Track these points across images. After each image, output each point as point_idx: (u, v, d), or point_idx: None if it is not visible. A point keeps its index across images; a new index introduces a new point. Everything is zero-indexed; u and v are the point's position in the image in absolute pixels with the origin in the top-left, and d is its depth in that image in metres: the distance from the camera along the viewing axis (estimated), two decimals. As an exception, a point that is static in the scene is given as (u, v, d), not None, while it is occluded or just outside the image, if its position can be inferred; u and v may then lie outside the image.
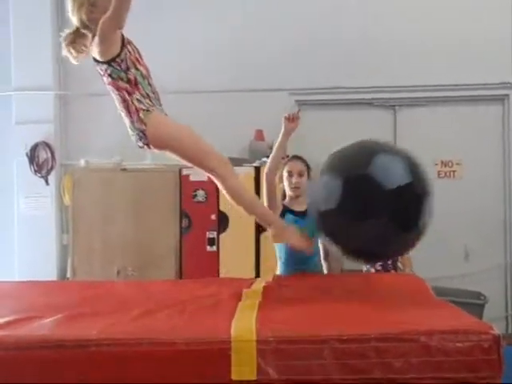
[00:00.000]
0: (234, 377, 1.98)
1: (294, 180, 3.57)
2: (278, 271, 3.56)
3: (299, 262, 3.39)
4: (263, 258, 5.30)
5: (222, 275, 5.27)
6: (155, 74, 5.92)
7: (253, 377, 1.98)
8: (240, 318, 2.29)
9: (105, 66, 2.73)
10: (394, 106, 5.93)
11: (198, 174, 5.47)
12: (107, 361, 2.01)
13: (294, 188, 3.56)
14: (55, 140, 5.81)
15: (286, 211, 3.51)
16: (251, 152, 5.65)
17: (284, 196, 3.68)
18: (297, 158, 3.74)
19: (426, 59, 5.69)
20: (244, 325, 2.18)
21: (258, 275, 5.23)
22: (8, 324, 2.25)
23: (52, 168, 5.77)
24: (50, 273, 5.57)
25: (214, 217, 5.44)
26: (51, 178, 5.79)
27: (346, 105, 5.92)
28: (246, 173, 5.39)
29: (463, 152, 5.81)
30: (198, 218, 5.44)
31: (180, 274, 5.44)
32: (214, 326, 2.21)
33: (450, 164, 5.86)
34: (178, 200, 5.47)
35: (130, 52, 2.73)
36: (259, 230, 5.36)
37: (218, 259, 5.41)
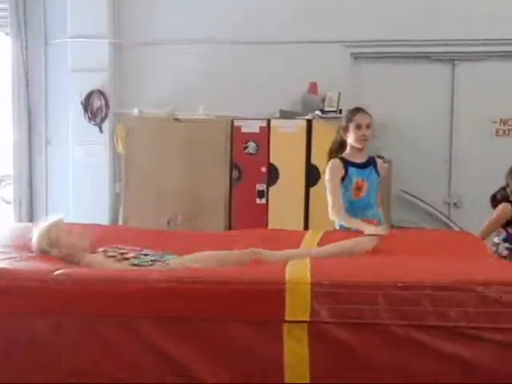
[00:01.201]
0: (287, 317, 2.01)
1: (364, 132, 3.59)
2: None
3: (360, 211, 3.57)
4: (312, 212, 5.28)
5: (270, 227, 5.30)
6: (210, 25, 5.93)
7: (306, 318, 2.00)
8: (294, 264, 2.32)
9: None
10: (452, 60, 5.72)
11: (249, 126, 5.48)
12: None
13: (363, 140, 3.60)
14: (109, 88, 5.85)
15: (347, 165, 3.59)
16: (304, 105, 5.58)
17: (341, 148, 3.72)
18: (362, 110, 3.72)
19: (486, 11, 5.44)
20: (298, 269, 2.21)
21: (306, 228, 5.24)
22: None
23: (106, 116, 5.84)
24: (102, 220, 5.69)
25: (264, 169, 5.43)
26: (105, 126, 5.87)
27: (403, 58, 5.75)
28: (297, 126, 5.36)
29: (524, 110, 5.61)
30: (249, 169, 5.44)
31: (229, 225, 5.49)
32: (268, 269, 2.24)
33: (510, 122, 5.66)
34: (228, 151, 5.48)
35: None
36: (309, 183, 5.35)
37: (267, 212, 5.42)
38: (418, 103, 5.70)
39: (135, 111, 5.67)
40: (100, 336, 2.13)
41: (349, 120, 3.66)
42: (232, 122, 5.45)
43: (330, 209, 3.58)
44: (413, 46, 5.64)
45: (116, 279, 2.20)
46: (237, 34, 5.76)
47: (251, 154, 5.44)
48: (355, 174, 3.59)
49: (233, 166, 5.46)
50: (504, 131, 5.69)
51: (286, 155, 5.36)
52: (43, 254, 2.72)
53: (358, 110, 3.72)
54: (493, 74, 5.61)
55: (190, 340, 2.09)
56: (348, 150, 3.68)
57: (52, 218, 2.89)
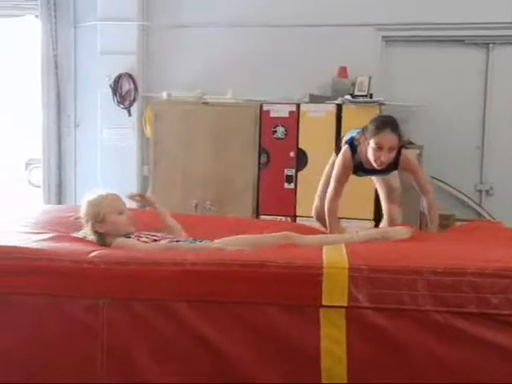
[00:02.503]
0: (324, 302, 1.98)
1: (382, 157, 3.08)
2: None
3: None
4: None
5: (298, 213, 5.27)
6: (238, 8, 5.87)
7: (343, 303, 1.97)
8: (330, 249, 2.29)
9: None
10: (487, 43, 5.58)
11: (278, 111, 5.42)
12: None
13: (380, 163, 3.13)
14: (138, 71, 5.83)
15: (358, 168, 3.35)
16: (333, 89, 5.50)
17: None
18: (390, 126, 3.11)
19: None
20: (335, 254, 2.18)
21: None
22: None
23: (134, 100, 5.83)
24: (130, 203, 5.69)
25: (292, 154, 5.38)
26: (134, 109, 5.86)
27: (436, 42, 5.62)
28: (327, 110, 5.29)
29: (560, 95, 5.46)
30: (277, 154, 5.40)
31: (257, 211, 5.47)
32: (305, 253, 2.21)
33: (545, 108, 5.54)
34: (257, 135, 5.43)
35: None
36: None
37: (296, 197, 5.38)
38: (450, 88, 5.58)
39: (164, 95, 5.65)
40: (136, 319, 2.12)
41: (371, 133, 3.13)
42: (261, 107, 5.40)
43: (329, 197, 3.32)
44: (446, 30, 5.51)
45: (152, 261, 2.19)
46: (265, 17, 5.70)
47: (280, 138, 5.39)
48: (363, 174, 3.44)
49: (261, 150, 5.42)
50: (539, 118, 5.56)
51: (315, 140, 5.29)
52: (84, 223, 2.77)
53: (385, 127, 3.10)
54: (528, 58, 5.49)
55: (227, 323, 2.08)
56: (365, 157, 3.25)
57: (106, 192, 2.91)
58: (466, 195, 5.66)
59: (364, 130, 3.23)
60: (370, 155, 3.14)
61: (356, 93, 5.36)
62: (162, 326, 2.10)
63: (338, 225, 3.31)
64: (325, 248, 2.27)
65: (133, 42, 5.81)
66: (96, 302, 2.13)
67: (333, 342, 1.98)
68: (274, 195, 5.43)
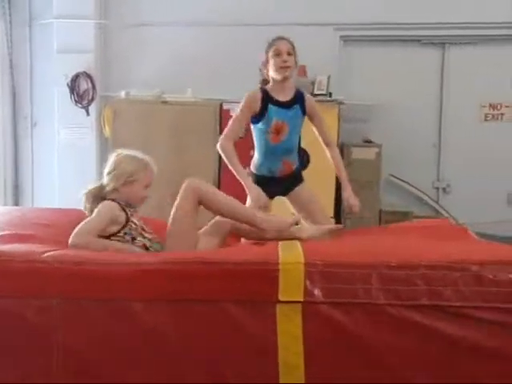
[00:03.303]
0: (281, 297, 1.99)
1: (284, 58, 3.11)
2: (256, 162, 3.35)
3: (278, 157, 3.23)
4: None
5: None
6: (197, 8, 5.83)
7: (299, 298, 1.98)
8: (286, 246, 2.29)
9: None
10: (443, 43, 5.70)
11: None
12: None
13: (284, 67, 3.12)
14: (96, 70, 5.76)
15: (268, 101, 3.14)
16: (293, 88, 5.53)
17: (266, 83, 3.27)
18: (282, 37, 3.27)
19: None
20: (291, 250, 2.18)
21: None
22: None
23: (93, 99, 5.75)
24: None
25: (252, 152, 5.37)
26: (92, 108, 5.78)
27: (393, 41, 5.72)
28: (287, 109, 5.31)
29: (513, 94, 5.61)
30: (237, 152, 5.38)
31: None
32: (262, 250, 2.22)
33: (499, 107, 5.67)
34: (217, 134, 5.40)
35: (135, 224, 2.63)
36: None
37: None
38: (407, 87, 5.68)
39: (122, 94, 5.59)
40: (90, 319, 2.09)
41: (267, 49, 3.22)
42: (221, 105, 5.40)
43: (222, 135, 3.22)
44: (403, 29, 5.61)
45: (107, 261, 2.15)
46: (225, 16, 5.70)
47: (240, 137, 5.37)
48: (275, 114, 3.13)
49: (222, 149, 5.40)
50: (493, 116, 5.69)
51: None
52: (108, 174, 2.71)
53: (277, 38, 3.25)
54: (483, 58, 5.62)
55: (184, 322, 2.06)
56: (271, 82, 3.21)
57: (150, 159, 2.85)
58: (423, 193, 5.76)
59: (262, 63, 3.28)
60: (273, 67, 3.15)
61: (315, 91, 5.39)
62: (117, 326, 2.07)
63: (247, 180, 3.19)
64: (280, 245, 2.28)
65: (90, 40, 5.74)
66: (49, 302, 2.09)
67: (289, 336, 1.99)
68: (234, 194, 5.40)
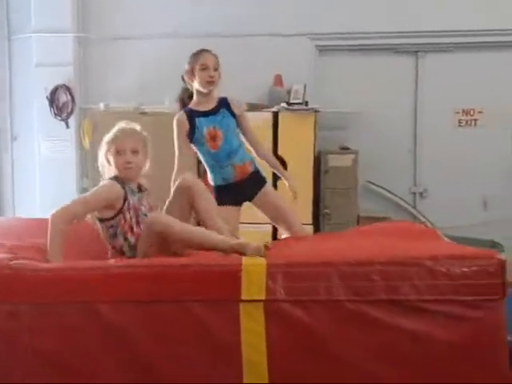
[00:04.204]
0: (243, 296, 2.04)
1: (210, 73, 3.23)
2: (210, 176, 3.40)
3: (224, 162, 3.29)
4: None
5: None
6: (174, 20, 5.86)
7: (261, 296, 2.03)
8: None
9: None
10: (416, 51, 5.81)
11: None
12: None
13: (210, 82, 3.24)
14: (75, 83, 5.82)
15: (193, 116, 3.26)
16: (270, 97, 5.62)
17: (189, 97, 3.38)
18: (208, 51, 3.37)
19: (449, 3, 5.54)
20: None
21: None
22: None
23: (72, 111, 5.80)
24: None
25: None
26: (71, 121, 5.83)
27: (368, 50, 5.82)
28: (263, 118, 5.38)
29: (486, 100, 5.70)
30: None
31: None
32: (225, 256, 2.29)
33: (472, 112, 5.77)
34: (195, 144, 5.48)
35: (124, 220, 2.63)
36: (276, 175, 5.37)
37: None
38: (383, 95, 5.77)
39: (101, 106, 5.64)
40: (60, 322, 2.14)
41: (193, 62, 3.30)
42: (199, 115, 5.45)
43: (174, 172, 3.27)
44: (377, 38, 5.71)
45: (74, 266, 2.21)
46: (201, 27, 5.76)
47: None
48: (204, 123, 3.25)
49: (199, 159, 5.45)
50: (466, 121, 5.80)
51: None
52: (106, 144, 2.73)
53: (202, 51, 3.34)
54: (455, 65, 5.72)
55: (150, 322, 2.11)
56: (195, 97, 3.32)
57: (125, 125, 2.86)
58: (400, 198, 5.84)
59: (185, 73, 3.36)
60: (199, 81, 3.25)
61: (292, 100, 5.48)
62: (86, 328, 2.12)
63: None
64: None
65: (69, 53, 5.80)
66: (18, 308, 2.13)
67: (252, 334, 2.04)
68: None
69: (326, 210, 5.43)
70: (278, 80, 5.68)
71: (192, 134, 3.28)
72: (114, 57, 5.92)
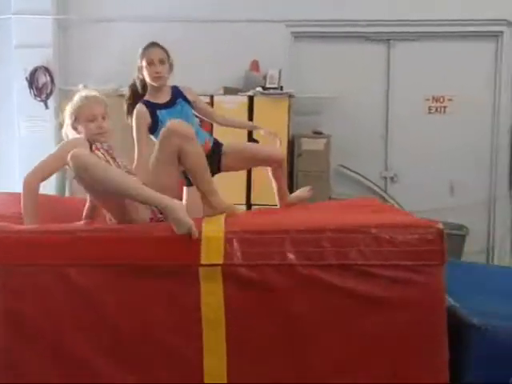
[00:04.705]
0: (203, 261, 2.20)
1: (157, 69, 3.25)
2: None
3: None
4: (254, 186, 5.44)
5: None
6: (155, 3, 5.94)
7: (219, 261, 2.19)
8: (209, 220, 2.49)
9: None
10: (388, 40, 5.98)
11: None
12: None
13: (157, 77, 3.26)
14: (54, 65, 5.90)
15: (154, 108, 3.26)
16: (246, 82, 5.75)
17: (143, 90, 3.37)
18: (155, 43, 3.37)
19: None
20: (213, 222, 2.40)
21: (248, 203, 5.44)
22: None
23: (51, 92, 5.89)
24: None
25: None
26: (50, 102, 5.92)
27: (342, 38, 5.97)
28: (239, 102, 5.53)
29: (455, 88, 5.89)
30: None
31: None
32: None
33: (442, 100, 5.96)
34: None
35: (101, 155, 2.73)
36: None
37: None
38: (355, 81, 5.93)
39: (80, 87, 5.73)
40: (28, 283, 2.27)
41: (141, 57, 3.32)
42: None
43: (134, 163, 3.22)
44: (350, 26, 5.87)
45: (43, 229, 2.35)
46: (180, 12, 5.88)
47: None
48: (166, 116, 3.20)
49: (177, 141, 5.59)
50: (436, 108, 5.98)
51: (229, 130, 5.48)
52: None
53: (149, 46, 3.35)
54: (426, 53, 5.90)
55: (116, 286, 2.26)
56: (149, 90, 3.33)
57: (87, 94, 2.88)
58: (372, 182, 6.02)
59: (138, 68, 3.37)
60: (148, 76, 3.27)
61: (267, 85, 5.62)
62: (55, 291, 2.25)
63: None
64: (205, 219, 2.49)
65: (48, 35, 5.87)
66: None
67: (211, 295, 2.20)
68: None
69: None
70: (255, 65, 5.82)
71: (155, 128, 3.25)
72: (94, 39, 6.01)
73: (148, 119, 3.25)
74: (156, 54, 3.30)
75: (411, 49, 5.94)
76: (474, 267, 3.63)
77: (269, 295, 2.19)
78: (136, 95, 3.38)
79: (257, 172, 5.30)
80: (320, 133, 5.76)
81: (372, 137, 6.04)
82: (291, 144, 5.62)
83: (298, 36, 6.00)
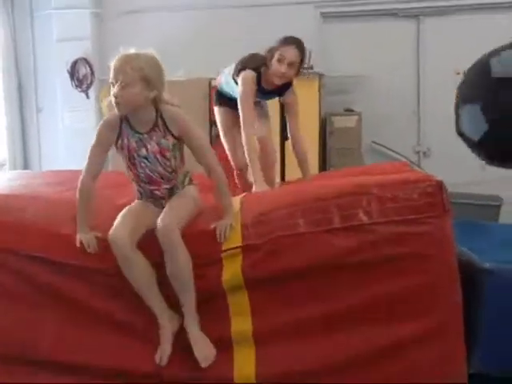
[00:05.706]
0: (224, 247, 2.39)
1: (282, 69, 3.22)
2: None
3: None
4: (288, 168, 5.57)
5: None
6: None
7: (239, 243, 2.38)
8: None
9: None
10: (417, 15, 5.99)
11: (226, 87, 5.78)
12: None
13: (281, 77, 3.26)
14: (93, 56, 6.17)
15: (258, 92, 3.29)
16: (278, 64, 5.87)
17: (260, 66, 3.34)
18: (296, 43, 3.29)
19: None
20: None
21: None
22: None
23: (91, 83, 6.17)
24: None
25: (242, 124, 5.72)
26: (91, 92, 6.20)
27: (370, 16, 6.01)
28: (271, 83, 5.65)
29: (487, 61, 5.85)
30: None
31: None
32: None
33: (472, 73, 5.93)
34: (207, 110, 5.80)
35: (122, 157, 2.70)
36: (284, 138, 5.64)
37: (246, 166, 5.73)
38: (385, 59, 5.96)
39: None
40: None
41: (275, 48, 3.27)
42: (209, 83, 5.76)
43: (242, 125, 3.20)
44: (379, 4, 5.91)
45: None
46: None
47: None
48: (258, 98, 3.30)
49: (212, 123, 5.77)
50: (467, 82, 5.95)
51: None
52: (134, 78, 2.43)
53: (288, 42, 3.27)
54: (455, 27, 5.87)
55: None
56: (263, 73, 3.31)
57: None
58: (405, 157, 6.06)
59: (271, 49, 3.32)
60: (272, 69, 3.23)
61: (298, 66, 5.71)
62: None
63: (260, 178, 3.22)
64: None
65: (87, 28, 6.14)
66: None
67: (232, 273, 2.37)
68: (227, 166, 5.76)
69: (332, 169, 5.71)
70: (286, 47, 5.91)
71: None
72: (130, 29, 6.19)
73: (254, 86, 3.25)
74: (291, 55, 3.24)
75: (440, 23, 5.93)
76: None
77: (284, 263, 2.35)
78: (258, 63, 3.35)
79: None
80: (351, 110, 5.85)
81: (404, 113, 6.08)
82: (323, 122, 5.73)
83: (326, 16, 6.07)
